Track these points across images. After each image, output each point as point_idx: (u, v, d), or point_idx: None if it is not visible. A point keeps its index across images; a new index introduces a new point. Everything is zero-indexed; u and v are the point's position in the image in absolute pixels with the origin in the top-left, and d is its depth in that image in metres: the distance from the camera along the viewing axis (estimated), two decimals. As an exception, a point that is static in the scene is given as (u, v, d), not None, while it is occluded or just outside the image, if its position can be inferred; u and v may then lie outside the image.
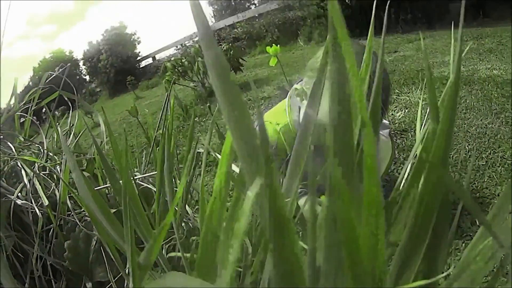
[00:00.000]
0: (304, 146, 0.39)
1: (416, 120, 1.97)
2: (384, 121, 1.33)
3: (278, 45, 1.57)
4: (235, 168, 0.65)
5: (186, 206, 0.81)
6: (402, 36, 5.03)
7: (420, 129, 0.56)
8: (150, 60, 15.03)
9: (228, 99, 0.24)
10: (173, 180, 0.67)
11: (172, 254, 0.62)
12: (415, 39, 4.54)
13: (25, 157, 0.76)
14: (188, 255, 0.54)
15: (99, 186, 0.80)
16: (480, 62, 2.70)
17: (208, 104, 2.33)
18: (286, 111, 1.21)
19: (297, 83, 1.19)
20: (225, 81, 0.24)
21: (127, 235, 0.36)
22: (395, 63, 3.08)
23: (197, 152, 2.14)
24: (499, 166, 1.51)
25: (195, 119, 2.75)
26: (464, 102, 2.10)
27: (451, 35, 0.42)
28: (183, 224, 0.78)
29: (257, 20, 9.93)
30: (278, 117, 1.23)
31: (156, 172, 0.70)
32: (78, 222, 0.66)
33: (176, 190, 0.72)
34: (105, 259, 0.65)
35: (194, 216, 0.82)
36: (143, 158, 1.04)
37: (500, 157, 1.56)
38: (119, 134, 3.11)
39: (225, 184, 0.33)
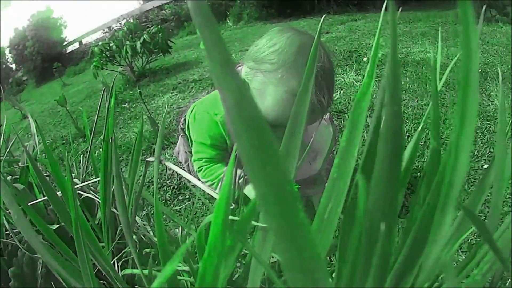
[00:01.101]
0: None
1: (351, 101, 1.92)
2: None
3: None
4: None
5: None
6: (334, 17, 5.03)
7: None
8: (77, 45, 14.28)
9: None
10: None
11: (128, 271, 0.56)
12: (347, 20, 4.56)
13: None
14: (146, 271, 0.48)
15: (34, 199, 0.66)
16: (413, 45, 2.75)
17: (139, 90, 2.17)
18: None
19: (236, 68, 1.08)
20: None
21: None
22: (327, 45, 3.04)
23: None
24: (441, 146, 1.49)
25: (125, 105, 2.58)
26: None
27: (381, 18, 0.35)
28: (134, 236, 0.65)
29: (185, 1, 9.65)
30: (216, 107, 1.15)
31: (97, 179, 0.61)
32: (19, 244, 0.57)
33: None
34: (53, 284, 0.55)
35: (144, 224, 0.69)
36: (81, 157, 0.89)
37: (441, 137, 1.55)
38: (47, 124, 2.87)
39: (222, 236, 0.27)
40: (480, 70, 2.20)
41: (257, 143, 0.17)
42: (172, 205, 1.42)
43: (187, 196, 1.47)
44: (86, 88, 4.15)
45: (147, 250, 0.59)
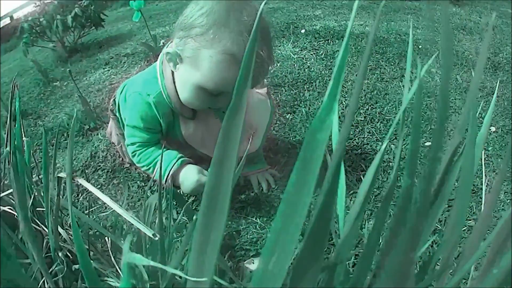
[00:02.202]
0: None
1: (289, 73, 1.88)
2: None
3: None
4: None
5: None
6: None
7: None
8: (8, 20, 13.32)
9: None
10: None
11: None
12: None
13: None
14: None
15: None
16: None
17: (68, 69, 2.02)
18: (158, 79, 1.08)
19: (167, 47, 1.06)
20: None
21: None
22: (265, 14, 2.95)
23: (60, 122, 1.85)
24: (377, 122, 1.49)
25: (56, 83, 2.41)
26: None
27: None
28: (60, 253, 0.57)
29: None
30: (148, 86, 1.09)
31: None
32: None
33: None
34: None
35: (70, 238, 0.60)
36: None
37: (378, 113, 1.55)
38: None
39: None
40: (420, 47, 2.22)
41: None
42: (107, 190, 1.33)
43: (122, 180, 1.38)
44: (18, 65, 3.88)
45: (76, 267, 0.53)
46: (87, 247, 0.60)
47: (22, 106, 2.14)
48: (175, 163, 1.09)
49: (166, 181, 1.10)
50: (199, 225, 0.31)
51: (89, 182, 1.39)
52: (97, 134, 1.66)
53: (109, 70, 2.36)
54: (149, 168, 1.14)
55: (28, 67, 3.00)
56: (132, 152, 1.15)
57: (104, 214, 1.09)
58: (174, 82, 1.05)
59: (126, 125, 1.14)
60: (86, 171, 1.44)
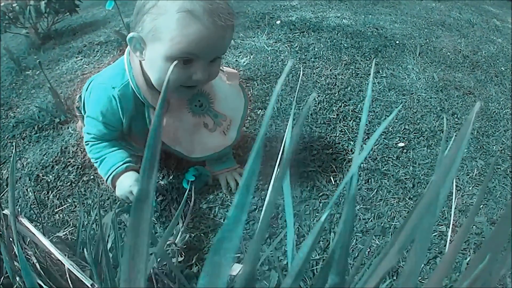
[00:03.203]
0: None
1: (262, 67, 1.86)
2: (230, 69, 1.23)
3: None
4: None
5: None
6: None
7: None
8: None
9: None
10: None
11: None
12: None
13: None
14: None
15: None
16: (330, 9, 2.69)
17: (38, 60, 1.97)
18: (126, 70, 1.06)
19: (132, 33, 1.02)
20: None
21: None
22: (240, 4, 2.92)
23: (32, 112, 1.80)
24: (350, 120, 1.49)
25: (28, 72, 2.34)
26: (313, 50, 2.04)
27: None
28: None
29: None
30: (114, 79, 1.07)
31: None
32: None
33: None
34: None
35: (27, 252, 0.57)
36: None
37: (351, 110, 1.54)
38: None
39: None
40: (397, 42, 2.22)
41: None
42: (77, 188, 1.30)
43: (92, 176, 1.36)
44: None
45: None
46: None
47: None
48: (119, 166, 1.09)
49: (106, 180, 1.11)
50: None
51: (59, 179, 1.37)
52: (68, 128, 1.63)
53: (81, 59, 2.30)
54: (97, 162, 1.13)
55: (2, 53, 2.92)
56: (86, 141, 1.14)
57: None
58: (143, 72, 1.03)
59: (86, 116, 1.12)
60: (56, 167, 1.42)
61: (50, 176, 1.38)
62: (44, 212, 1.25)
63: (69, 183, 1.34)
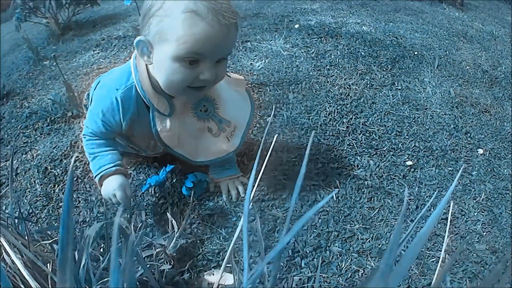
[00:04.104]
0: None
1: (275, 72, 1.84)
2: (237, 76, 1.24)
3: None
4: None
5: None
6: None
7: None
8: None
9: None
10: None
11: None
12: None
13: None
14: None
15: None
16: (350, 15, 2.65)
17: (53, 54, 1.99)
18: (132, 73, 1.07)
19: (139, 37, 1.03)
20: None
21: None
22: (260, 5, 2.91)
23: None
24: (360, 134, 1.46)
25: (46, 62, 2.37)
26: (329, 57, 2.01)
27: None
28: None
29: None
30: (120, 80, 1.08)
31: None
32: None
33: None
34: None
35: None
36: None
37: (362, 124, 1.52)
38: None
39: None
40: (416, 53, 2.17)
41: None
42: (82, 184, 1.32)
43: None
44: (10, 39, 3.83)
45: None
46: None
47: (11, 84, 2.14)
48: (108, 168, 1.11)
49: (95, 177, 1.13)
50: None
51: (66, 173, 1.38)
52: (79, 122, 1.65)
53: (98, 53, 2.32)
54: (90, 157, 1.15)
55: (21, 41, 2.96)
56: (84, 134, 1.16)
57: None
58: (149, 76, 1.04)
59: (89, 110, 1.14)
60: (64, 161, 1.43)
61: (58, 170, 1.40)
62: (49, 205, 1.26)
63: (75, 178, 1.35)
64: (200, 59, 0.95)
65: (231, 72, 1.87)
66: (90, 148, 1.14)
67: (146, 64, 1.04)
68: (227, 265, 0.94)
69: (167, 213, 1.10)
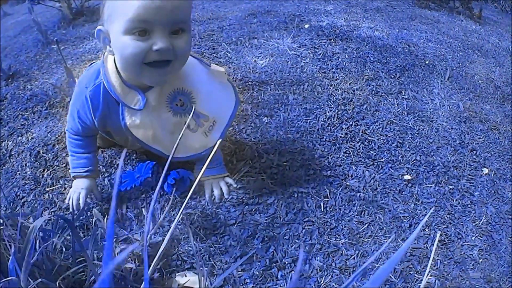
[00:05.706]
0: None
1: (279, 71, 1.78)
2: (217, 67, 1.16)
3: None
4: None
5: None
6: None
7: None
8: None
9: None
10: None
11: None
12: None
13: None
14: None
15: None
16: (364, 19, 2.58)
17: (56, 39, 1.97)
18: (100, 69, 1.05)
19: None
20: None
21: None
22: (273, 3, 2.83)
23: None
24: (358, 142, 1.40)
25: (54, 46, 2.36)
26: (336, 60, 1.95)
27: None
28: None
29: None
30: (89, 78, 1.07)
31: None
32: None
33: None
34: None
35: None
36: None
37: (362, 131, 1.45)
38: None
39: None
40: (427, 62, 2.09)
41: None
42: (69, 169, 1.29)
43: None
44: (24, 20, 3.86)
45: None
46: None
47: (17, 65, 2.13)
48: (81, 172, 1.16)
49: (71, 172, 1.18)
50: None
51: (56, 158, 1.36)
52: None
53: (105, 40, 2.30)
54: (69, 153, 1.19)
55: (33, 24, 2.97)
56: (67, 129, 1.17)
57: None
58: (116, 69, 1.02)
59: (69, 108, 1.15)
60: (57, 146, 1.41)
61: (50, 155, 1.38)
62: (36, 189, 1.25)
63: (64, 165, 1.33)
64: (149, 28, 0.90)
65: (232, 69, 1.84)
66: (70, 145, 1.18)
67: (114, 59, 1.01)
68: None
69: (143, 208, 1.06)
